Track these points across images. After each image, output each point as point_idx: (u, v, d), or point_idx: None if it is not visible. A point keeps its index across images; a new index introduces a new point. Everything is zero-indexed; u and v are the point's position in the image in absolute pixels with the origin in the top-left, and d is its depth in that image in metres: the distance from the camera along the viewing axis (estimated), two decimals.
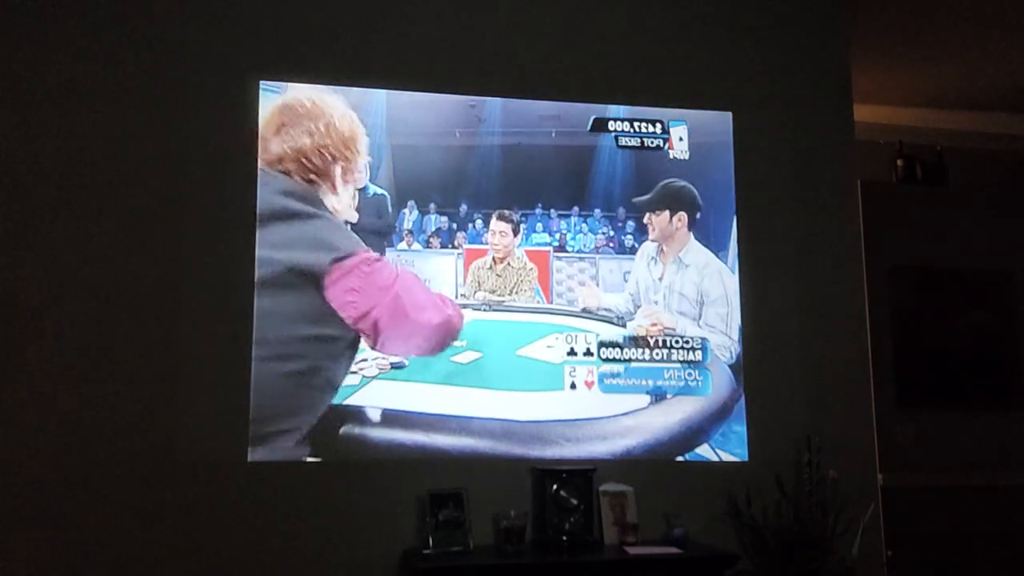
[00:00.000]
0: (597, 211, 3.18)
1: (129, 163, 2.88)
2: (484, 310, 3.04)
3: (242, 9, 3.05)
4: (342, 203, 2.99)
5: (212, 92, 2.96)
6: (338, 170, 2.99)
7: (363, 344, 2.92)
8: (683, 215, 3.23)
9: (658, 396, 3.09)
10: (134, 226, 2.86)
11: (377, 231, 3.02)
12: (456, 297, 3.03)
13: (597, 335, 3.09)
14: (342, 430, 2.86)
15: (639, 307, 3.15)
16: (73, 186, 2.84)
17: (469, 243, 3.08)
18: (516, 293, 3.08)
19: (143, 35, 2.96)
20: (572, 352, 3.07)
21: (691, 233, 3.24)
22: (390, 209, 3.04)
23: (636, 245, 3.19)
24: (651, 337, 3.12)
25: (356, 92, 3.08)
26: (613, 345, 3.09)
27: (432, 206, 3.06)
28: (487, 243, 3.10)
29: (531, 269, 3.11)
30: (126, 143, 2.89)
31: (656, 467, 3.04)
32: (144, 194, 2.88)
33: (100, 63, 2.91)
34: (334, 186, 2.98)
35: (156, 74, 2.94)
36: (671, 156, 3.27)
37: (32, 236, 2.79)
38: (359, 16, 3.13)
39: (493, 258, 3.09)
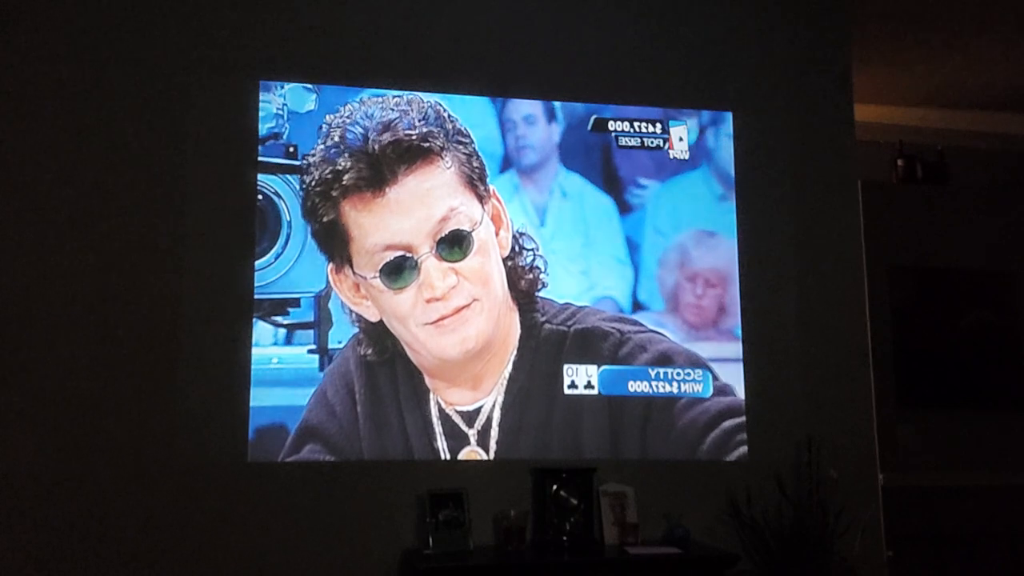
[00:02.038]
0: None
1: (129, 163, 2.88)
2: None
3: (242, 9, 3.05)
4: None
5: (212, 92, 2.96)
6: None
7: None
8: None
9: None
10: (134, 226, 2.85)
11: None
12: None
13: None
14: None
15: None
16: (72, 186, 2.84)
17: None
18: None
19: (143, 35, 2.96)
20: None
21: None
22: None
23: None
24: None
25: None
26: None
27: None
28: None
29: None
30: (126, 143, 2.89)
31: (656, 467, 3.04)
32: (144, 194, 2.88)
33: (100, 63, 2.91)
34: None
35: (156, 74, 2.94)
36: (671, 156, 3.27)
37: (32, 236, 2.79)
38: (359, 16, 3.13)
39: None
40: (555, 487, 2.88)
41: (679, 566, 2.74)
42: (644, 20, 3.36)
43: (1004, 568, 3.68)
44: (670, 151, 3.27)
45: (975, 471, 3.74)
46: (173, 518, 2.72)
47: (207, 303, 2.85)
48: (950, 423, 3.79)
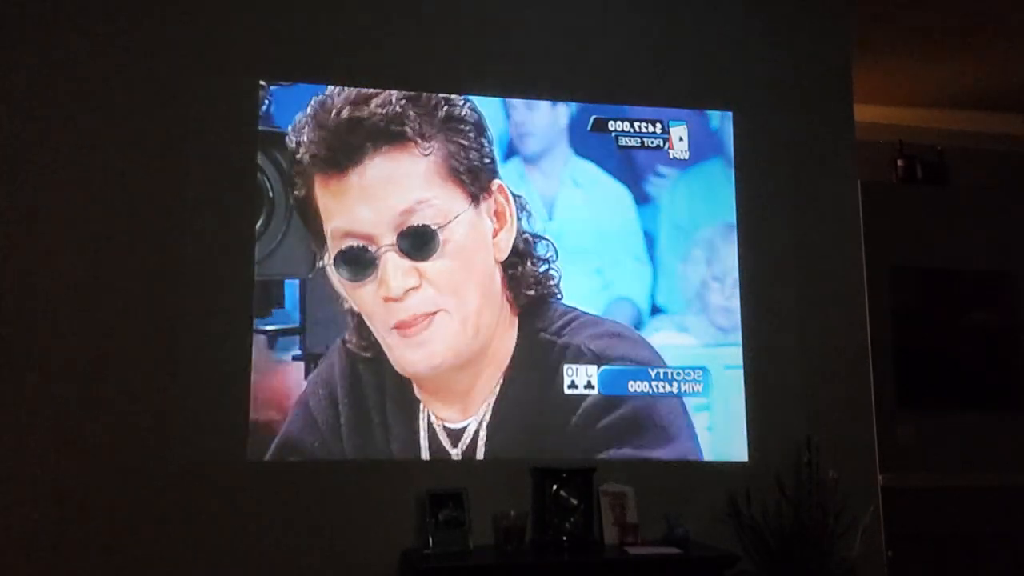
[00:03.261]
0: None
1: (129, 163, 2.88)
2: None
3: (242, 10, 3.05)
4: None
5: (212, 92, 2.96)
6: None
7: None
8: None
9: None
10: (134, 226, 2.85)
11: None
12: None
13: None
14: None
15: None
16: (73, 186, 2.84)
17: None
18: None
19: (143, 35, 2.96)
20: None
21: None
22: None
23: None
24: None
25: None
26: None
27: None
28: None
29: None
30: (126, 143, 2.89)
31: (656, 467, 3.04)
32: (144, 194, 2.88)
33: (100, 63, 2.91)
34: None
35: (156, 74, 2.94)
36: (671, 156, 3.26)
37: (32, 237, 2.79)
38: (359, 16, 3.12)
39: None
40: (555, 487, 2.87)
41: (679, 566, 2.74)
42: (644, 20, 3.36)
43: (1004, 568, 3.67)
44: (670, 151, 3.26)
45: (975, 471, 3.74)
46: (173, 518, 2.72)
47: (207, 303, 2.85)
48: (950, 423, 3.79)
